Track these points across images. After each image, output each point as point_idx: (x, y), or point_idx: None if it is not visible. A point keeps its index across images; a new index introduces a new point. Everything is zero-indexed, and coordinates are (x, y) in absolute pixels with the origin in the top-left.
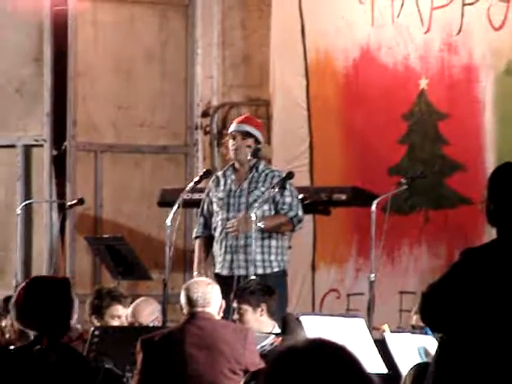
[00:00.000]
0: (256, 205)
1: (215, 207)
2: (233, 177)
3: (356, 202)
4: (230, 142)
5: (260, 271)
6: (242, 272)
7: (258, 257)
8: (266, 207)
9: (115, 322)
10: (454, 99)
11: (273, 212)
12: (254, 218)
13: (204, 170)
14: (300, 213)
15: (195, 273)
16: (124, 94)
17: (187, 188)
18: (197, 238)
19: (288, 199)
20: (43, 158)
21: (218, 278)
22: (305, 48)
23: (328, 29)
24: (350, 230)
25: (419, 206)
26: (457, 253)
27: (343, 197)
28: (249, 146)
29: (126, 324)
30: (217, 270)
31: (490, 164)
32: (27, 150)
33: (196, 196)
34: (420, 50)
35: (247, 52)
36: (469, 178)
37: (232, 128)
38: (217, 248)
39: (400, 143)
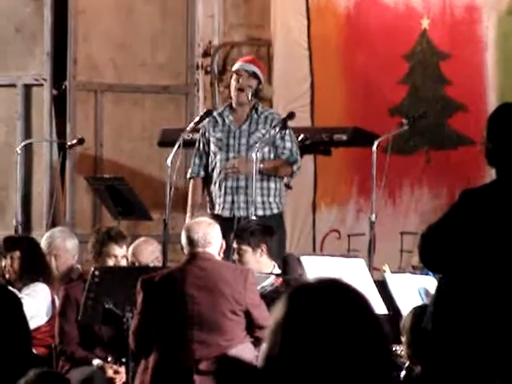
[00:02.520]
0: (257, 145)
1: (213, 148)
2: (231, 117)
3: (357, 142)
4: (234, 81)
5: (260, 213)
6: (243, 213)
7: (258, 198)
8: (266, 149)
9: (111, 262)
10: (456, 39)
11: (272, 155)
12: (254, 159)
13: (205, 109)
14: (299, 158)
15: (188, 214)
16: (124, 33)
17: (188, 128)
18: (191, 178)
19: (288, 144)
20: (43, 97)
21: (218, 219)
22: None
23: None
24: (350, 170)
25: (420, 146)
26: (458, 193)
27: (344, 137)
28: (250, 87)
29: (121, 263)
30: (216, 212)
31: (492, 104)
32: (27, 89)
33: (197, 136)
34: None
35: None
36: (470, 118)
37: (237, 66)
38: (215, 189)
39: (401, 83)
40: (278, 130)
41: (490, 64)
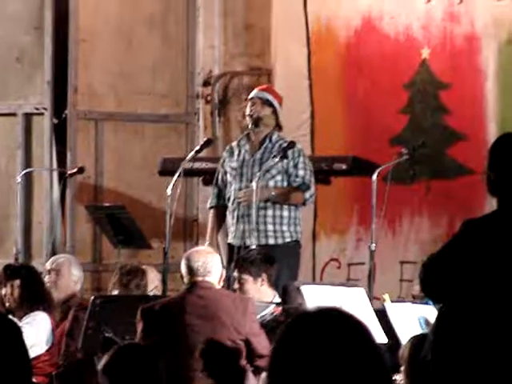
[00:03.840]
0: (269, 175)
1: (229, 177)
2: (247, 146)
3: (356, 171)
4: (248, 108)
5: (272, 241)
6: (255, 242)
7: (270, 227)
8: (278, 178)
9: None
10: (456, 69)
11: (285, 183)
12: (265, 187)
13: (205, 139)
14: (312, 186)
15: (207, 242)
16: (125, 62)
17: (188, 157)
18: (211, 208)
19: (301, 172)
20: (44, 126)
21: (231, 248)
22: (306, 17)
23: None
24: (350, 199)
25: (420, 175)
26: (458, 223)
27: (344, 166)
28: (266, 115)
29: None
30: (229, 240)
31: (492, 134)
32: (28, 118)
33: (197, 165)
34: (422, 20)
35: (249, 21)
36: (470, 148)
37: (252, 94)
38: (229, 218)
39: (401, 113)
40: (278, 157)
41: (490, 94)
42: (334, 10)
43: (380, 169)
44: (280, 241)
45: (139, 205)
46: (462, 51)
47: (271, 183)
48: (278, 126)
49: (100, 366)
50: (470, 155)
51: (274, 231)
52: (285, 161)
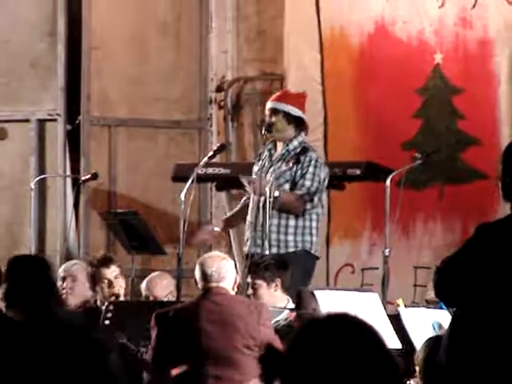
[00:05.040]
0: (276, 183)
1: None
2: (272, 151)
3: (370, 176)
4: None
5: (274, 250)
6: (258, 250)
7: (274, 236)
8: (286, 186)
9: (105, 286)
10: (469, 74)
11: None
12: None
13: (218, 144)
14: (316, 199)
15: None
16: (138, 67)
17: (201, 163)
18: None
19: (308, 182)
20: (57, 132)
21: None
22: (319, 22)
23: (342, 3)
24: (364, 204)
25: (434, 180)
26: (471, 228)
27: (357, 172)
28: (275, 121)
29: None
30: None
31: (505, 138)
32: (41, 124)
33: (210, 171)
34: (435, 25)
35: (262, 26)
36: (484, 153)
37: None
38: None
39: (414, 117)
40: (291, 163)
41: (503, 98)
42: (347, 16)
43: (393, 174)
44: (282, 250)
45: (153, 211)
46: (475, 56)
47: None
48: (300, 128)
49: None
50: (484, 160)
51: (278, 240)
52: (294, 168)
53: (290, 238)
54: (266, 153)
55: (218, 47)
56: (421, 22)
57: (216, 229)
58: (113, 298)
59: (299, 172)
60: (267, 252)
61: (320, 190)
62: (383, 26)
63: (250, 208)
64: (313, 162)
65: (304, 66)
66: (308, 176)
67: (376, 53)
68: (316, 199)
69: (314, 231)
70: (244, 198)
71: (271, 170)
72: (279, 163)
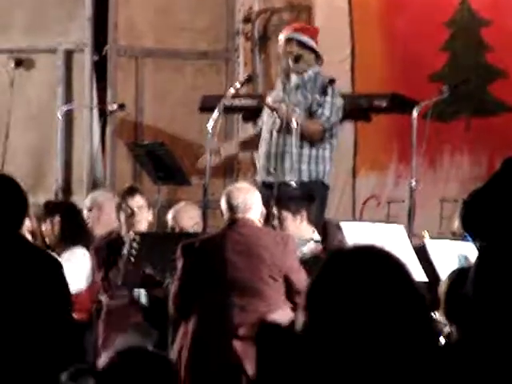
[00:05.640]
0: (296, 109)
1: (264, 113)
2: (285, 82)
3: (396, 108)
4: (284, 47)
5: (288, 178)
6: (271, 179)
7: (287, 165)
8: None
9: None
10: (497, 6)
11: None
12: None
13: (245, 75)
14: (336, 128)
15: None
16: None
17: (228, 94)
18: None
19: (327, 112)
20: (84, 62)
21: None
22: None
23: None
24: (390, 136)
25: (461, 112)
26: (498, 161)
27: (383, 103)
28: (290, 52)
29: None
30: (256, 177)
31: None
32: (68, 54)
33: (236, 102)
34: None
35: None
36: (511, 85)
37: (289, 34)
38: (261, 153)
39: (442, 50)
40: (317, 95)
41: None
42: None
43: (420, 106)
44: (295, 179)
45: (179, 142)
46: None
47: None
48: (318, 60)
49: None
50: (511, 92)
51: (291, 169)
52: (310, 97)
53: (304, 166)
54: (279, 84)
55: None
56: None
57: (222, 150)
58: (133, 229)
59: (316, 101)
60: (280, 180)
61: (338, 119)
62: None
63: (263, 138)
64: (329, 91)
65: None
66: (327, 105)
67: None
68: (335, 129)
69: (327, 161)
70: (256, 128)
71: (287, 98)
72: (294, 92)
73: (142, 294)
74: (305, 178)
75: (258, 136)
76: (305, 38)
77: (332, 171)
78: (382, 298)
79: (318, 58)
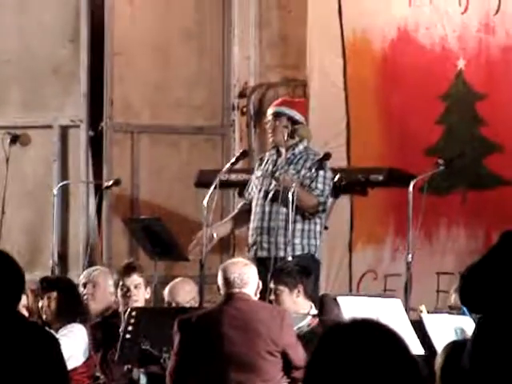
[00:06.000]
0: (295, 178)
1: (254, 186)
2: (274, 157)
3: (393, 182)
4: (268, 125)
5: (282, 254)
6: (265, 254)
7: (281, 239)
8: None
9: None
10: (492, 80)
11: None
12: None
13: (241, 150)
14: (328, 202)
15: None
16: (161, 74)
17: (224, 169)
18: (244, 204)
19: (320, 186)
20: (80, 138)
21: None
22: (342, 28)
23: (365, 9)
24: (387, 210)
25: (457, 186)
26: (494, 234)
27: (380, 177)
28: (285, 127)
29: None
30: (246, 252)
31: None
32: (64, 130)
33: (233, 177)
34: (458, 31)
35: (284, 32)
36: (507, 159)
37: (268, 111)
38: (250, 229)
39: (437, 124)
40: (313, 170)
41: None
42: (370, 21)
43: (416, 179)
44: (290, 253)
45: (176, 217)
46: (498, 62)
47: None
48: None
49: None
50: (507, 166)
51: (285, 243)
52: (302, 171)
53: (297, 241)
54: (269, 158)
55: (240, 53)
56: (444, 29)
57: (214, 235)
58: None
59: (308, 175)
60: (273, 255)
61: (329, 194)
62: (406, 32)
63: (254, 213)
64: (322, 165)
65: (326, 71)
66: (319, 179)
67: (399, 59)
68: (328, 202)
69: (317, 235)
70: (241, 204)
71: (277, 174)
72: (286, 167)
73: (141, 375)
74: (298, 252)
75: (248, 210)
76: (294, 112)
77: (327, 246)
78: (381, 372)
79: (307, 131)
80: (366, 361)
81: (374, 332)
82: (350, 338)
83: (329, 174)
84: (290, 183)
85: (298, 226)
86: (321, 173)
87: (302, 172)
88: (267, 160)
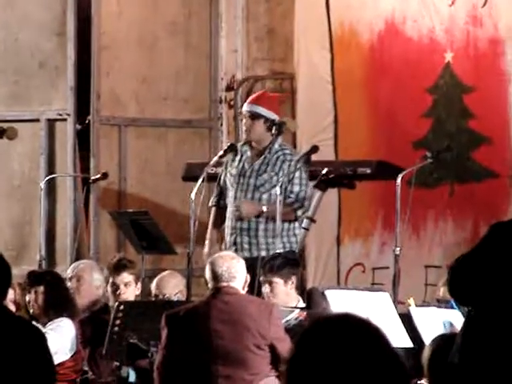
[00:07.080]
0: (263, 189)
1: (228, 183)
2: (248, 153)
3: (381, 175)
4: (243, 122)
5: (263, 253)
6: (246, 254)
7: (262, 240)
8: (273, 191)
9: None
10: (480, 72)
11: (282, 197)
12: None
13: (228, 143)
14: (306, 203)
15: (207, 241)
16: (148, 67)
17: (211, 162)
18: (212, 206)
19: (296, 188)
20: (67, 132)
21: None
22: (329, 21)
23: (352, 1)
24: (374, 203)
25: (444, 179)
26: (482, 227)
27: (368, 170)
28: (261, 127)
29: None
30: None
31: None
32: (51, 124)
33: (220, 170)
34: (445, 23)
35: (271, 25)
36: (495, 152)
37: (243, 108)
38: (226, 227)
39: (425, 117)
40: (299, 164)
41: None
42: (357, 14)
43: (404, 172)
44: (271, 252)
45: (163, 210)
46: (486, 54)
47: (265, 196)
48: (279, 132)
49: None
50: (494, 159)
51: (266, 243)
52: (280, 174)
53: (278, 239)
54: (243, 155)
55: (227, 46)
56: (431, 21)
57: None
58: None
59: (286, 178)
60: (255, 255)
61: (308, 192)
62: (393, 25)
63: (230, 211)
64: (298, 166)
65: (314, 64)
66: (296, 181)
67: (386, 51)
68: (307, 203)
69: (296, 231)
70: (212, 202)
71: (254, 174)
72: (261, 167)
73: (130, 373)
74: (279, 251)
75: (221, 211)
76: (270, 113)
77: (315, 239)
78: (361, 367)
79: (278, 126)
80: (346, 355)
81: (354, 326)
82: (331, 333)
83: (304, 174)
84: (252, 213)
85: (278, 225)
86: (297, 174)
87: (280, 175)
88: (241, 157)
